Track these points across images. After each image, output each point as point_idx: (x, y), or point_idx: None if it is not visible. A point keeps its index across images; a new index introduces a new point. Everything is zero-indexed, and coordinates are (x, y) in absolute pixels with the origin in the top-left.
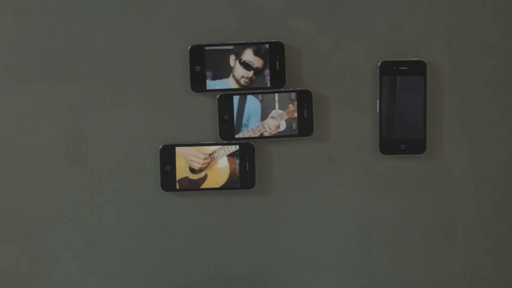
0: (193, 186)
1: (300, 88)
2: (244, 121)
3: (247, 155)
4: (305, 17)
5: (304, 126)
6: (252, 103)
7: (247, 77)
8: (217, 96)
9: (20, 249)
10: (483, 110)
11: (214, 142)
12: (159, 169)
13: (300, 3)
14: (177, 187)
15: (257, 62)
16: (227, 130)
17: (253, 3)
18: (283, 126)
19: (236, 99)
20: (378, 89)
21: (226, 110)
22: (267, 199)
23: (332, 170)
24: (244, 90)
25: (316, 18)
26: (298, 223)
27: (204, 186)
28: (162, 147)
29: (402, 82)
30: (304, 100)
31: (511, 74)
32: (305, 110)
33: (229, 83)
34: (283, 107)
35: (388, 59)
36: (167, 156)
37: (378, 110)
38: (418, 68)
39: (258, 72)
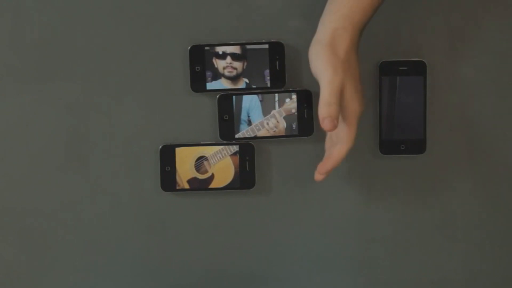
0: (202, 186)
1: (300, 88)
2: (244, 118)
3: (247, 155)
4: (305, 17)
5: (304, 126)
6: (248, 98)
7: (228, 66)
8: (217, 96)
9: (20, 249)
10: (483, 110)
11: (214, 142)
12: (159, 169)
13: (300, 3)
14: (188, 187)
15: (229, 48)
16: (227, 130)
17: (253, 3)
18: (282, 123)
19: (235, 98)
20: (378, 89)
21: (226, 110)
22: (267, 199)
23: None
24: (244, 90)
25: (316, 18)
26: (298, 223)
27: (212, 185)
28: (162, 147)
29: (402, 82)
30: (304, 100)
31: (511, 74)
32: (305, 110)
33: (222, 83)
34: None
35: (388, 59)
36: (167, 156)
37: (378, 110)
38: (418, 68)
39: (236, 57)
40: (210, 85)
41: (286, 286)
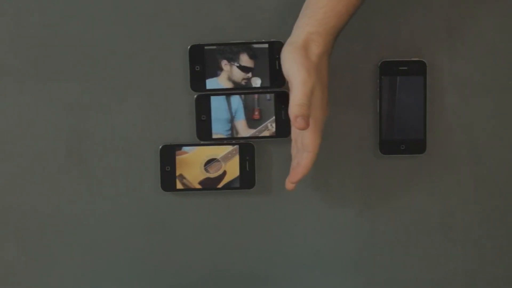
0: (213, 184)
1: (278, 89)
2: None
3: (247, 155)
4: None
5: (282, 127)
6: (235, 100)
7: (246, 79)
8: (195, 97)
9: (20, 249)
10: (483, 110)
11: (214, 142)
12: (159, 169)
13: (300, 3)
14: (200, 187)
15: (252, 63)
16: (204, 130)
17: (253, 3)
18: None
19: (215, 99)
20: (378, 89)
21: (204, 111)
22: (267, 199)
23: (332, 170)
24: (243, 90)
25: None
26: (298, 223)
27: (223, 182)
28: (162, 147)
29: (402, 82)
30: (282, 100)
31: (511, 74)
32: (282, 112)
33: (220, 82)
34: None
35: (388, 59)
36: (167, 156)
37: (378, 110)
38: (418, 68)
39: (255, 71)
40: (210, 85)
41: (286, 286)
